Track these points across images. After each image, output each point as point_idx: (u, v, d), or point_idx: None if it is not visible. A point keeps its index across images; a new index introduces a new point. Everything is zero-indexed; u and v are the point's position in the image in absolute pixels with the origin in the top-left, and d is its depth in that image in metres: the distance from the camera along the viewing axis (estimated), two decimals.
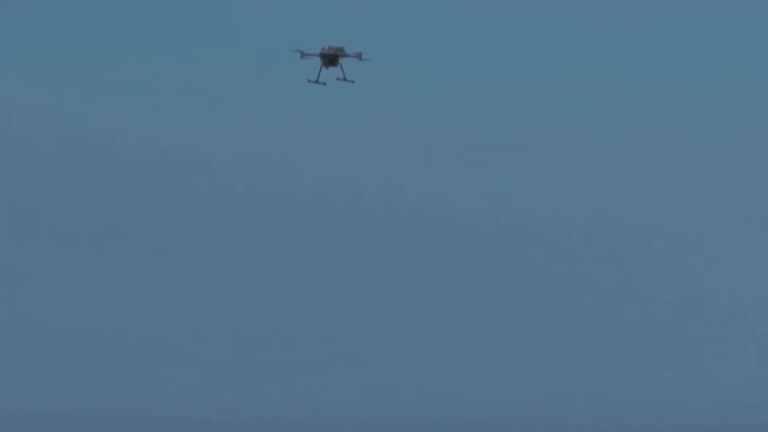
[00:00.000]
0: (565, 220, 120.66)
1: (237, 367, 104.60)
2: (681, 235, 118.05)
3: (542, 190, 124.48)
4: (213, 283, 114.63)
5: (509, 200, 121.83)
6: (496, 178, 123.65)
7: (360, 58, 27.60)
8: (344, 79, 28.48)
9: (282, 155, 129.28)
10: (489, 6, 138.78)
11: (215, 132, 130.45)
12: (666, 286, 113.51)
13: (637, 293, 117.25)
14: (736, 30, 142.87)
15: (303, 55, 27.81)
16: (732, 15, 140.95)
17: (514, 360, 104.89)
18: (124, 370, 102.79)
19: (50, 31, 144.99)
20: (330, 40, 28.34)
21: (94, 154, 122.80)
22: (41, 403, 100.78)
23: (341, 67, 27.78)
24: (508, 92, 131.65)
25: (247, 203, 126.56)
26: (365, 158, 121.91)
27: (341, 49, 27.75)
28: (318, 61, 28.53)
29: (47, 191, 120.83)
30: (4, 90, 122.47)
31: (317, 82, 28.84)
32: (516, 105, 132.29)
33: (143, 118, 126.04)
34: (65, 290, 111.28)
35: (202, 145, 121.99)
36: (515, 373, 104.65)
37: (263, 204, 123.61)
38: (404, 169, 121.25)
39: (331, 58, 27.89)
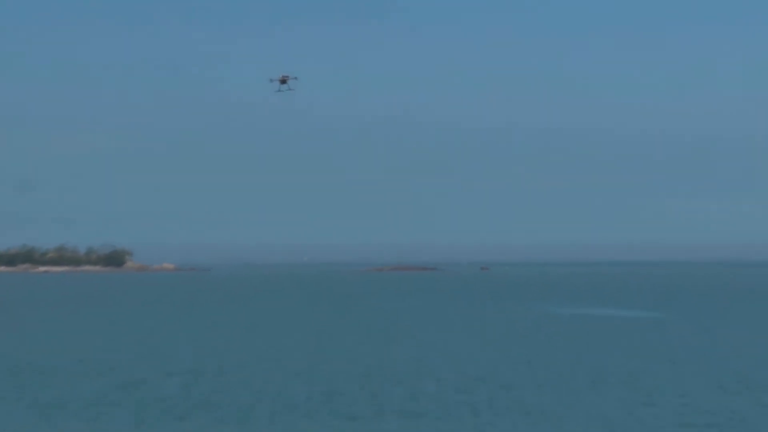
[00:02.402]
0: None
1: None
2: None
3: None
4: None
5: None
6: None
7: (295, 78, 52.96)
8: (289, 89, 52.94)
9: None
10: None
11: None
12: None
13: None
14: None
15: (272, 80, 53.41)
16: None
17: None
18: None
19: None
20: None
21: None
22: None
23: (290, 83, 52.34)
24: None
25: None
26: None
27: (288, 76, 53.18)
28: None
29: None
30: None
31: (280, 90, 54.05)
32: None
33: None
34: None
35: None
36: None
37: None
38: None
39: (284, 80, 52.59)
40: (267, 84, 55.62)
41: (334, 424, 50.15)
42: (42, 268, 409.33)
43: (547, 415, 53.34)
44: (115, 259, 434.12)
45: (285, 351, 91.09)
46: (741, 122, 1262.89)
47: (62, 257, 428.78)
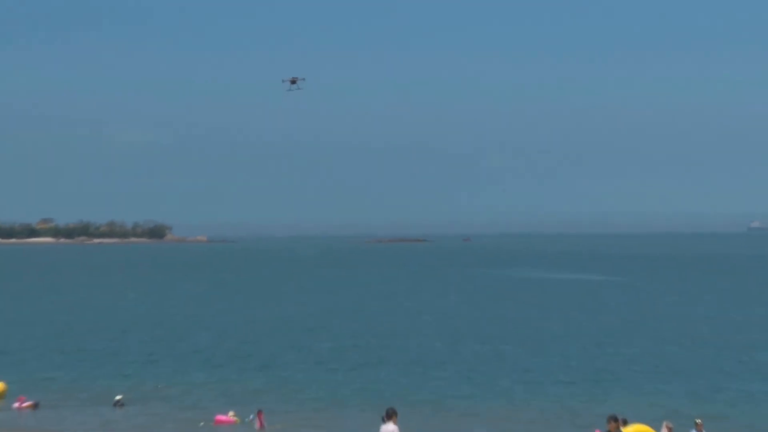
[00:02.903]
0: None
1: None
2: None
3: None
4: None
5: None
6: None
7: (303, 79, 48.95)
8: (298, 88, 49.83)
9: None
10: None
11: None
12: None
13: None
14: None
15: (283, 80, 49.78)
16: None
17: None
18: None
19: None
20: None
21: None
22: None
23: (299, 84, 49.24)
24: None
25: None
26: None
27: (297, 78, 49.38)
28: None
29: None
30: None
31: (290, 90, 50.31)
32: None
33: None
34: None
35: None
36: None
37: None
38: None
39: (294, 81, 49.65)
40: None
41: (343, 370, 51.90)
42: (96, 240, 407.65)
43: (520, 363, 55.12)
44: (157, 232, 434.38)
45: (302, 309, 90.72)
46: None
47: (113, 231, 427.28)
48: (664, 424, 26.69)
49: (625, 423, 24.36)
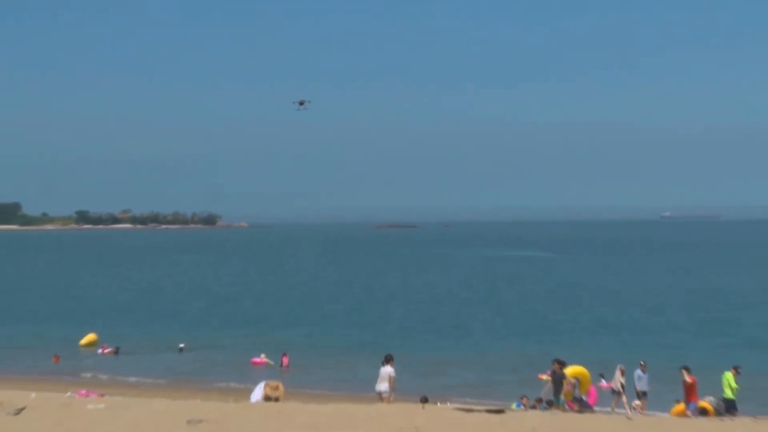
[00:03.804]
0: None
1: None
2: None
3: None
4: None
5: None
6: None
7: (309, 101, 44.37)
8: (305, 108, 44.35)
9: None
10: None
11: None
12: None
13: None
14: None
15: (293, 102, 44.02)
16: None
17: None
18: None
19: None
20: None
21: None
22: None
23: (306, 105, 44.01)
24: None
25: None
26: None
27: (305, 100, 44.29)
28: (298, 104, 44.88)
29: None
30: None
31: (299, 110, 44.66)
32: None
33: None
34: None
35: None
36: None
37: None
38: None
39: (302, 102, 44.46)
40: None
41: (354, 327, 51.82)
42: (163, 226, 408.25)
43: (487, 321, 55.07)
44: (210, 220, 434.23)
45: (320, 281, 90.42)
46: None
47: (176, 219, 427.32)
48: (618, 366, 26.62)
49: (565, 365, 24.28)
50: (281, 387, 23.79)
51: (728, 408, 23.45)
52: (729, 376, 24.08)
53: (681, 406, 24.68)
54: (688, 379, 24.47)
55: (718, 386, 24.61)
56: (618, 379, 25.95)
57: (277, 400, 21.77)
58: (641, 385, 25.81)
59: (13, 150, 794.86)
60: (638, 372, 26.00)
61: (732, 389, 23.89)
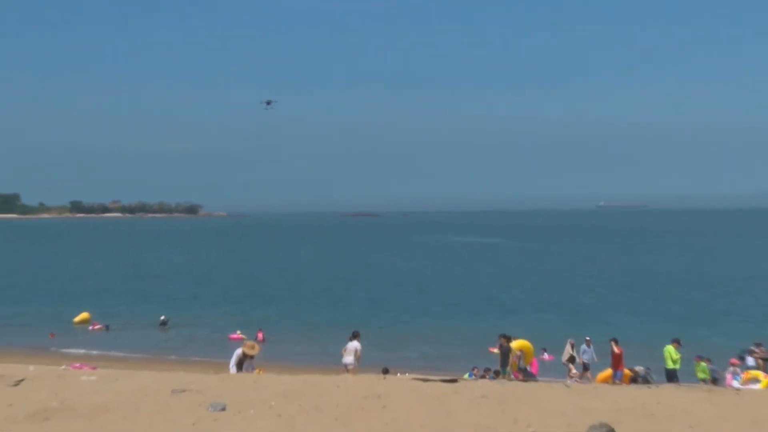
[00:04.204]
0: None
1: None
2: None
3: None
4: None
5: None
6: None
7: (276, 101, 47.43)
8: (271, 107, 46.98)
9: None
10: None
11: None
12: None
13: None
14: None
15: (261, 101, 47.08)
16: None
17: None
18: None
19: None
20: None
21: None
22: None
23: (272, 104, 45.98)
24: None
25: None
26: None
27: (271, 100, 46.94)
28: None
29: None
30: None
31: (266, 108, 47.37)
32: None
33: None
34: None
35: None
36: None
37: None
38: None
39: (269, 102, 46.33)
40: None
41: (323, 305, 51.75)
42: (150, 215, 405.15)
43: (442, 299, 55.31)
44: (192, 209, 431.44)
45: (294, 264, 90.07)
46: None
47: (162, 208, 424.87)
48: (568, 341, 26.85)
49: (511, 339, 24.36)
50: (257, 346, 23.53)
51: (670, 378, 23.65)
52: (670, 349, 24.35)
53: (607, 372, 25.05)
54: (616, 350, 24.88)
55: (655, 358, 24.89)
56: (567, 352, 26.24)
57: (252, 358, 21.50)
58: (585, 358, 26.25)
59: (13, 144, 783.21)
60: (584, 346, 26.44)
61: (674, 360, 24.17)
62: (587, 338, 26.88)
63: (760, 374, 23.79)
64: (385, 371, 22.78)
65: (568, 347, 26.44)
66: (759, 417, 12.06)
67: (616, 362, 24.82)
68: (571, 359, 26.16)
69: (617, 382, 23.47)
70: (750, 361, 30.02)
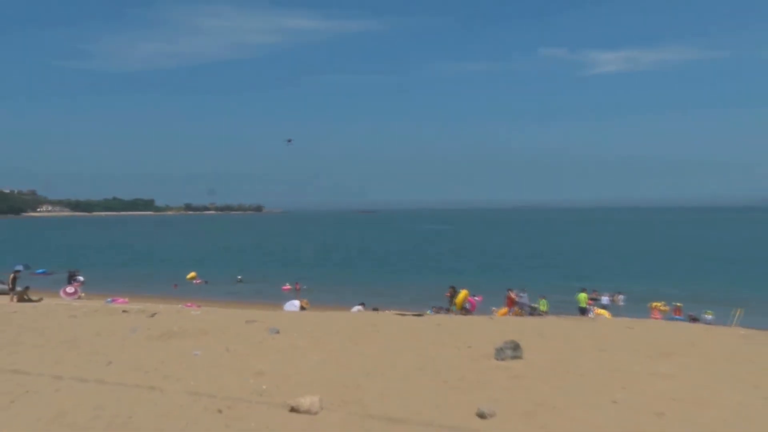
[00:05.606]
0: None
1: None
2: None
3: None
4: None
5: None
6: None
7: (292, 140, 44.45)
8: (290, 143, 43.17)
9: None
10: None
11: None
12: None
13: None
14: None
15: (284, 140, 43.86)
16: None
17: None
18: None
19: None
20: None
21: None
22: None
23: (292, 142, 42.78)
24: None
25: None
26: None
27: (291, 139, 43.63)
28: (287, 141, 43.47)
29: None
30: None
31: (287, 145, 44.03)
32: None
33: None
34: None
35: None
36: None
37: None
38: None
39: (289, 140, 42.73)
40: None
41: (340, 270, 50.42)
42: (235, 212, 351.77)
43: (414, 265, 53.89)
44: (258, 208, 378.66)
45: (319, 245, 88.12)
46: None
47: (240, 207, 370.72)
48: (508, 289, 25.84)
49: (456, 289, 24.42)
50: (308, 303, 25.32)
51: (582, 312, 23.92)
52: (582, 296, 24.98)
53: (504, 310, 25.00)
54: (511, 295, 25.13)
55: (572, 303, 25.34)
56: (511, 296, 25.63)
57: (303, 308, 23.34)
58: (524, 300, 25.40)
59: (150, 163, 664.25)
60: (520, 293, 25.76)
61: (584, 302, 24.76)
62: (524, 288, 26.10)
63: (605, 312, 25.32)
64: (375, 309, 23.12)
65: (508, 293, 25.70)
66: (603, 333, 13.62)
67: (510, 303, 25.02)
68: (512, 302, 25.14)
69: (510, 314, 23.55)
70: (605, 300, 31.41)
